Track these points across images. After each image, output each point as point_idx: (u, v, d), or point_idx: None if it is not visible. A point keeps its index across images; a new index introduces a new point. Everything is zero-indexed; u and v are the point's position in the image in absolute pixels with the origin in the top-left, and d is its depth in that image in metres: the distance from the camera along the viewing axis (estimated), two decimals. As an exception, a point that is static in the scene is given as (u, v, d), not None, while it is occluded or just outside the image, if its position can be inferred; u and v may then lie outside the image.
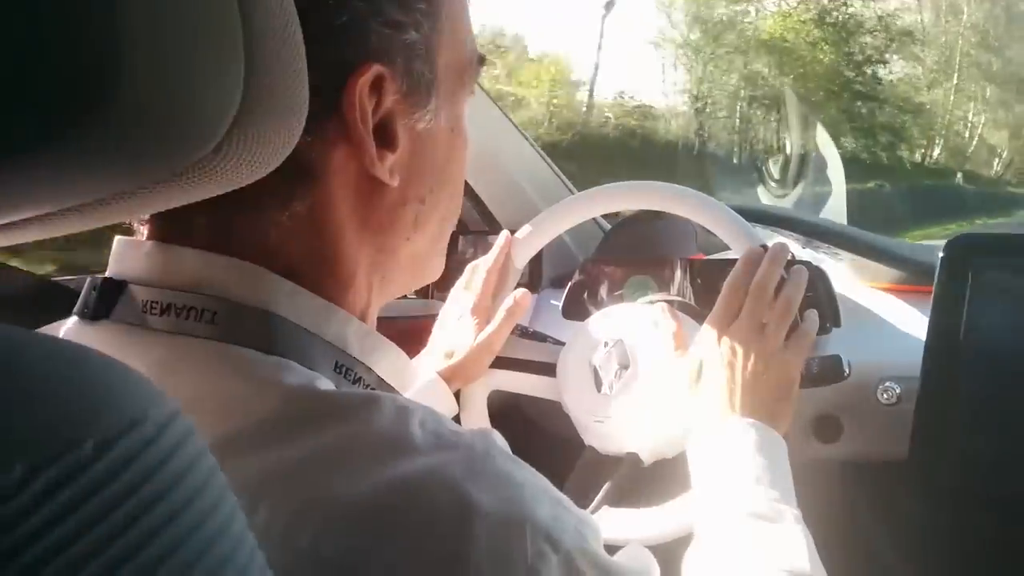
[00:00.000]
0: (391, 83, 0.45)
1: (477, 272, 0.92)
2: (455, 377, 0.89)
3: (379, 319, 0.53)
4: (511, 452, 0.43)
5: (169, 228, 0.45)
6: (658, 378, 0.82)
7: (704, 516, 0.67)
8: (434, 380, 0.87)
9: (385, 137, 0.46)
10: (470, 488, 0.37)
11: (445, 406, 0.87)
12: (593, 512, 0.82)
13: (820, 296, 0.90)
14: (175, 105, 0.26)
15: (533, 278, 1.13)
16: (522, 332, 0.95)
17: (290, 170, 0.39)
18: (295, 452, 0.38)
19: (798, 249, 1.12)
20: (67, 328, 0.45)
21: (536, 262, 1.09)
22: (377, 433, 0.39)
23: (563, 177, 1.35)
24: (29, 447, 0.22)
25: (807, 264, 0.86)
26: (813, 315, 0.78)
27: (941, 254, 0.87)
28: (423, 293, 1.27)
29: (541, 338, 0.99)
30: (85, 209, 0.29)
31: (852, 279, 1.07)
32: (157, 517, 0.24)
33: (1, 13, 0.21)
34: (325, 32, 0.41)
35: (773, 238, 1.09)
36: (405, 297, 1.28)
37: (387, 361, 0.50)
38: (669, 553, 0.65)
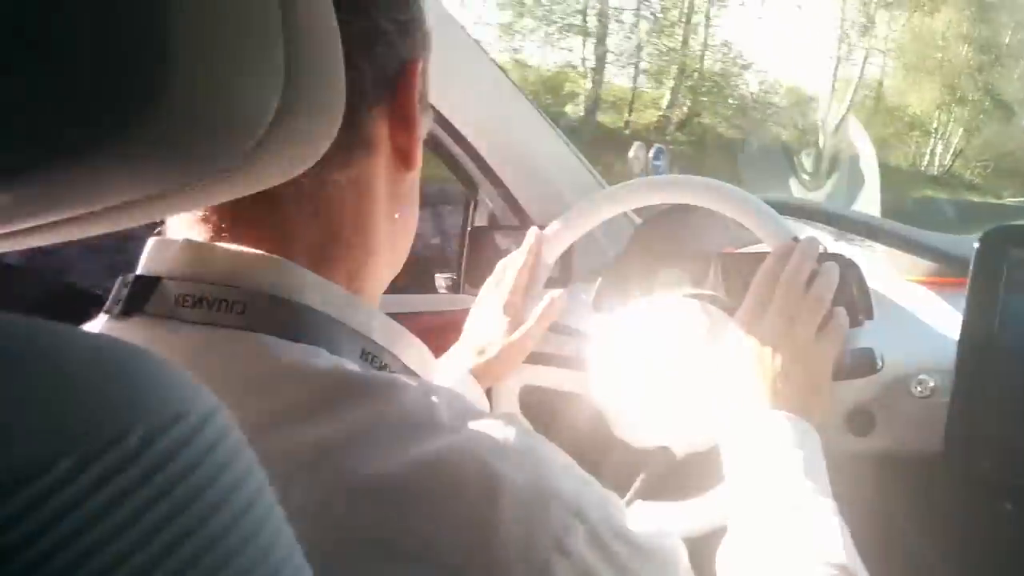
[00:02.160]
0: (420, 80, 0.51)
1: (507, 270, 0.93)
2: (486, 374, 0.89)
3: (408, 313, 0.54)
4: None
5: (202, 224, 0.47)
6: (689, 372, 0.82)
7: (738, 509, 0.67)
8: (465, 377, 0.87)
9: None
10: (497, 462, 0.39)
11: (477, 402, 0.88)
12: (627, 506, 0.82)
13: (852, 289, 0.89)
14: (219, 104, 0.26)
15: (564, 272, 1.13)
16: (553, 326, 0.95)
17: (354, 139, 0.47)
18: (325, 432, 0.40)
19: (830, 242, 1.11)
20: (97, 325, 0.47)
21: (568, 256, 1.10)
22: (405, 412, 0.41)
23: (594, 171, 1.35)
24: (75, 441, 0.22)
25: (839, 257, 0.86)
26: (843, 313, 0.77)
27: (976, 246, 0.86)
28: (453, 288, 1.27)
29: (572, 332, 0.99)
30: (130, 207, 0.30)
31: (886, 272, 1.06)
32: (201, 509, 0.24)
33: (49, 13, 0.22)
34: (399, 24, 0.49)
35: (805, 231, 1.09)
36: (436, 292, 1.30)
37: (410, 351, 0.51)
38: (702, 547, 0.66)
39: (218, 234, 0.47)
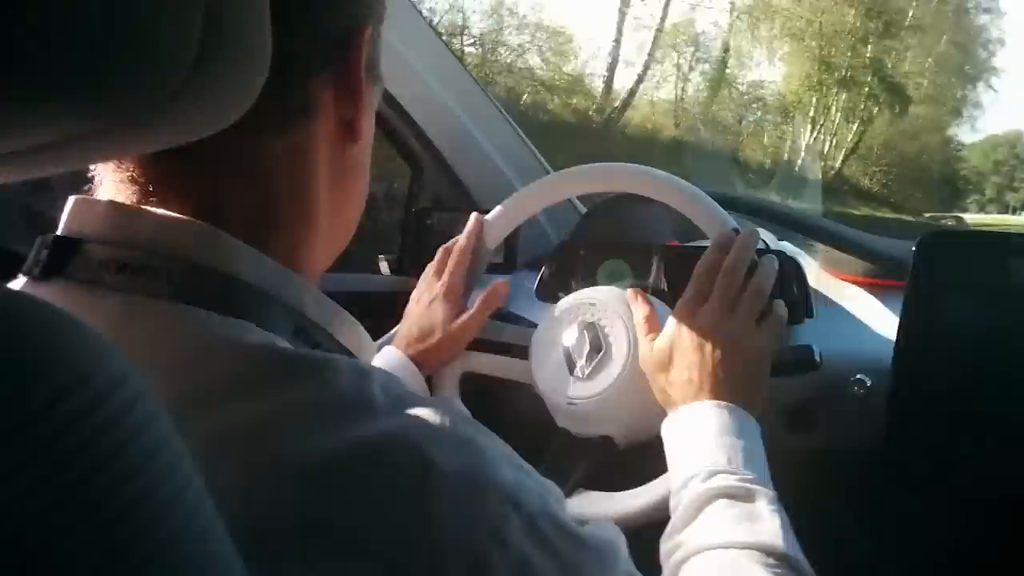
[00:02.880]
0: (368, 48, 0.48)
1: (449, 254, 0.92)
2: (426, 361, 0.88)
3: (350, 293, 0.53)
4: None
5: (140, 178, 0.44)
6: (631, 361, 0.82)
7: (679, 498, 0.67)
8: (405, 363, 0.86)
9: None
10: (431, 450, 0.37)
11: (417, 389, 0.86)
12: (568, 495, 0.81)
13: (793, 285, 0.90)
14: (133, 45, 0.25)
15: (507, 259, 1.12)
16: (495, 313, 0.94)
17: (292, 104, 0.45)
18: (254, 411, 0.38)
19: (773, 239, 1.12)
20: (15, 287, 0.44)
21: (511, 242, 1.09)
22: (338, 394, 0.39)
23: (539, 156, 1.34)
24: None
25: (781, 254, 0.86)
26: (782, 305, 0.78)
27: (914, 249, 0.88)
28: (397, 271, 1.25)
29: (514, 319, 0.98)
30: (38, 154, 0.28)
31: (826, 271, 1.08)
32: (108, 478, 0.23)
33: None
34: None
35: (748, 226, 1.09)
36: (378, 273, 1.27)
37: (344, 329, 0.49)
38: (646, 536, 0.65)
39: (145, 197, 0.44)
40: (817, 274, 1.06)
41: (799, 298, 0.91)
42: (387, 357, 0.87)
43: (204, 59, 0.27)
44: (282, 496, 0.35)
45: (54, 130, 0.27)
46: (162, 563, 0.24)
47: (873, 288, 1.02)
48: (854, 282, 1.05)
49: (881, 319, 0.96)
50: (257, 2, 0.31)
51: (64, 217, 0.45)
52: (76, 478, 0.22)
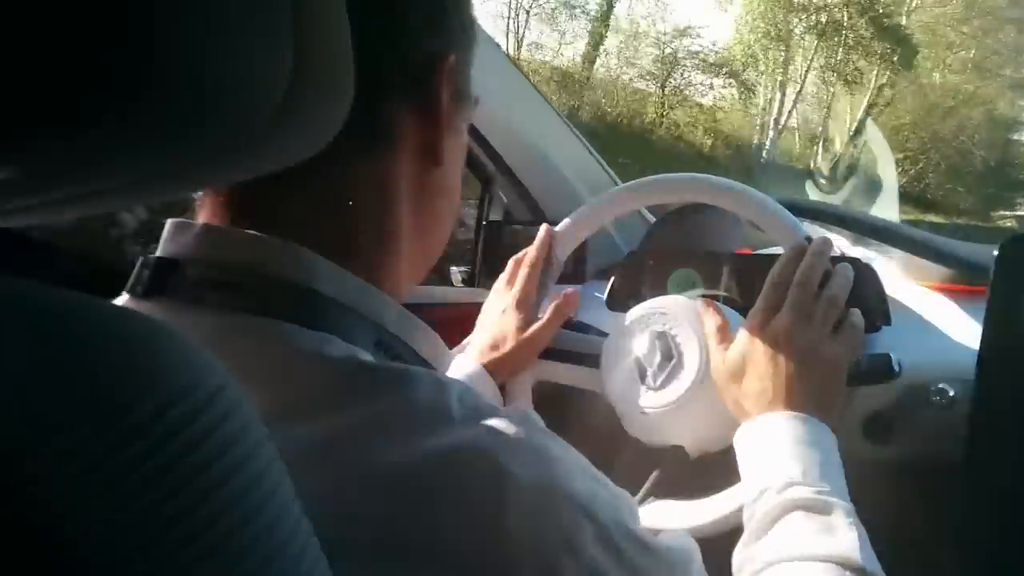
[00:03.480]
0: (453, 75, 0.50)
1: (520, 266, 0.93)
2: (499, 370, 0.89)
3: (424, 305, 0.54)
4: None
5: (232, 202, 0.47)
6: (702, 371, 0.82)
7: (752, 509, 0.66)
8: (479, 372, 0.87)
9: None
10: (506, 460, 0.39)
11: (490, 398, 0.87)
12: (640, 504, 0.82)
13: (869, 293, 0.88)
14: (226, 84, 0.26)
15: (578, 269, 1.13)
16: (566, 323, 0.95)
17: (375, 130, 0.47)
18: (339, 423, 0.40)
19: (848, 246, 1.10)
20: (119, 304, 0.47)
21: (581, 253, 1.09)
22: (417, 405, 0.41)
23: (608, 168, 1.34)
24: (88, 409, 0.23)
25: (856, 261, 0.85)
26: (857, 314, 0.76)
27: (996, 253, 0.85)
28: (469, 282, 1.27)
29: (585, 329, 0.99)
30: (138, 185, 0.30)
31: (903, 277, 1.05)
32: (207, 481, 0.24)
33: None
34: (426, 17, 0.48)
35: (821, 234, 1.08)
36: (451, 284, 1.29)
37: (424, 342, 0.51)
38: (718, 547, 0.65)
39: (237, 220, 0.47)
40: (894, 281, 1.03)
41: (876, 305, 0.89)
42: (461, 366, 0.88)
43: (294, 90, 0.29)
44: (363, 504, 0.37)
45: (155, 163, 0.28)
46: (253, 560, 0.25)
47: (954, 294, 0.99)
48: (934, 288, 1.02)
49: (964, 326, 0.93)
50: (342, 33, 0.32)
51: (163, 239, 0.48)
52: (177, 483, 0.24)
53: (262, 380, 0.40)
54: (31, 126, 0.24)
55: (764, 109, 18.42)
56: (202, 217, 0.48)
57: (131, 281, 0.47)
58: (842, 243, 1.08)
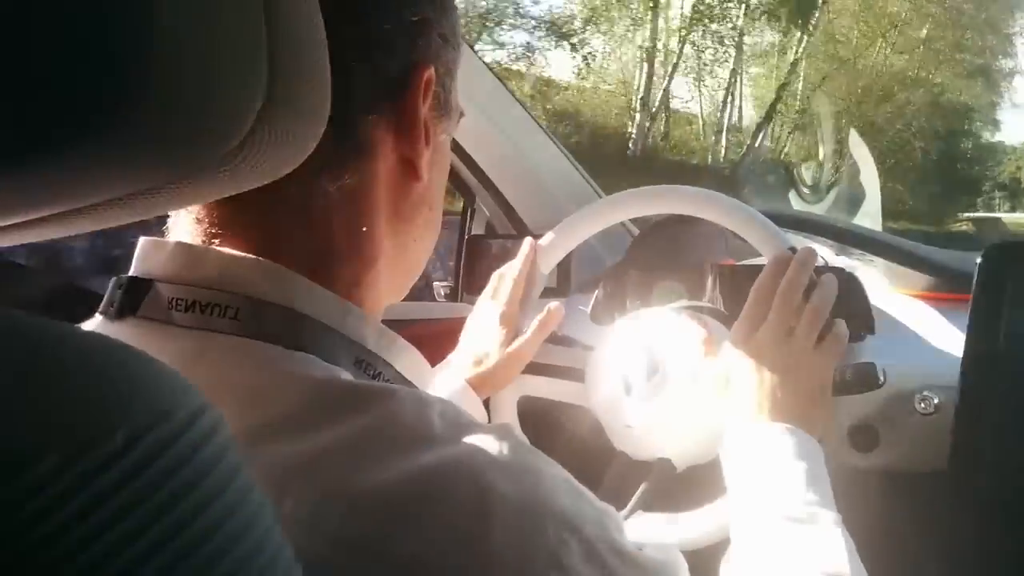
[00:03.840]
0: (433, 88, 0.49)
1: (503, 280, 0.93)
2: (484, 385, 0.89)
3: (406, 321, 0.54)
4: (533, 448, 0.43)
5: (205, 221, 0.47)
6: (688, 383, 0.81)
7: (741, 521, 0.66)
8: (463, 388, 0.87)
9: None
10: (490, 477, 0.38)
11: (475, 413, 0.87)
12: (627, 518, 0.81)
13: (853, 302, 0.88)
14: (202, 103, 0.26)
15: (561, 282, 1.12)
16: (551, 337, 0.95)
17: (348, 144, 0.46)
18: (319, 443, 0.39)
19: (831, 256, 1.10)
20: (91, 326, 0.46)
21: (565, 266, 1.09)
22: (398, 424, 0.40)
23: (590, 180, 1.34)
24: (61, 437, 0.22)
25: (840, 270, 0.85)
26: (842, 324, 0.76)
27: (978, 261, 0.85)
28: (452, 297, 1.27)
29: (570, 343, 0.98)
30: (111, 206, 0.30)
31: (887, 286, 1.05)
32: (185, 509, 0.24)
33: (33, 13, 0.22)
34: (401, 27, 0.47)
35: (805, 244, 1.08)
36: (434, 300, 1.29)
37: (404, 359, 0.50)
38: (705, 559, 0.64)
39: (211, 238, 0.46)
40: (879, 290, 1.04)
41: (860, 315, 0.89)
42: (445, 382, 0.88)
43: (268, 110, 0.28)
44: (345, 526, 0.36)
45: (124, 185, 0.28)
46: None
47: (938, 302, 0.99)
48: (918, 296, 1.02)
49: (947, 334, 0.93)
50: (318, 47, 0.32)
51: (136, 258, 0.47)
52: (153, 510, 0.23)
53: (240, 401, 0.40)
54: (7, 147, 0.23)
55: (633, 87, 15.47)
56: (175, 235, 0.47)
57: (104, 302, 0.46)
58: (826, 253, 1.08)
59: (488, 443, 0.40)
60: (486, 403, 0.91)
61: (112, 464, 0.22)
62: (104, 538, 0.22)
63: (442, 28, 0.50)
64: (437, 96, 0.50)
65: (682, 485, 0.83)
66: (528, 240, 0.94)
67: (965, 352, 0.83)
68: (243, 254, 0.45)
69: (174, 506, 0.24)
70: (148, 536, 0.23)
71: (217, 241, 0.46)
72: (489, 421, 0.91)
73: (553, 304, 0.92)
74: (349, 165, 0.47)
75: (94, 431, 0.23)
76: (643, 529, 0.79)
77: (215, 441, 0.26)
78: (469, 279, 1.19)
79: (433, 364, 0.55)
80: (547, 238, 0.94)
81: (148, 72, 0.24)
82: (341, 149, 0.46)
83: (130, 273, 0.47)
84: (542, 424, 0.95)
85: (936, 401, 0.85)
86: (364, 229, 0.49)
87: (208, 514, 0.24)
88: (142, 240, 0.47)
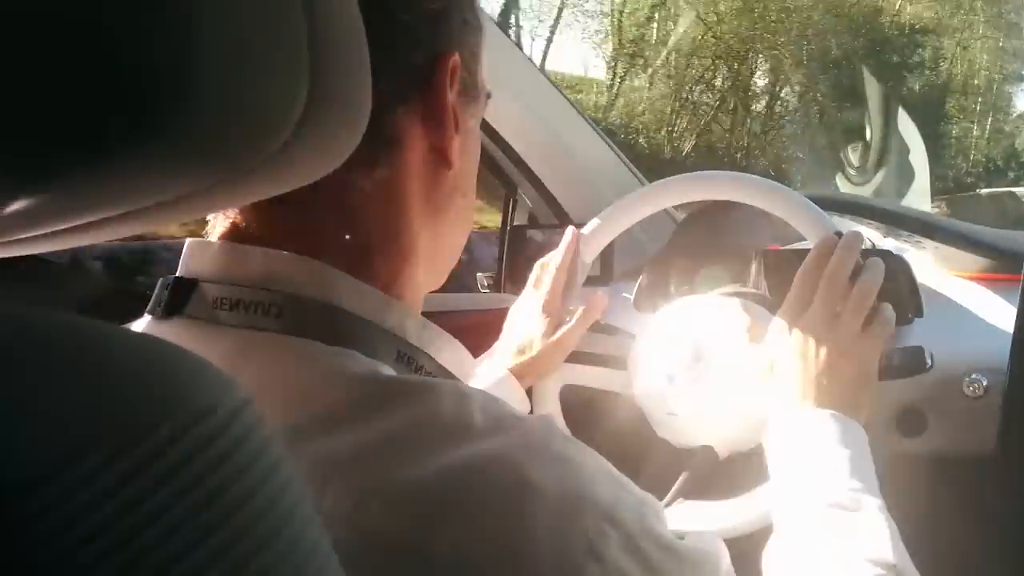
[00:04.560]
0: (459, 74, 0.49)
1: (546, 269, 0.93)
2: (526, 374, 0.89)
3: (449, 312, 0.54)
4: (575, 438, 0.44)
5: (244, 223, 0.48)
6: (731, 371, 0.81)
7: (784, 508, 0.66)
8: (505, 376, 0.88)
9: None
10: (529, 469, 0.39)
11: (517, 402, 0.88)
12: (668, 505, 0.81)
13: (901, 285, 0.87)
14: (245, 105, 0.26)
15: (604, 271, 1.12)
16: (594, 325, 0.95)
17: (378, 138, 0.45)
18: (359, 438, 0.39)
19: (879, 238, 1.08)
20: (141, 325, 0.48)
21: (607, 254, 1.09)
22: (439, 418, 0.41)
23: (634, 169, 1.34)
24: (106, 433, 0.23)
25: (887, 253, 0.84)
26: (889, 308, 0.75)
27: None
28: (494, 287, 1.27)
29: (613, 331, 0.98)
30: (158, 209, 0.30)
31: (936, 268, 1.03)
32: (227, 503, 0.24)
33: (79, 16, 0.22)
34: (425, 15, 0.47)
35: (852, 227, 1.06)
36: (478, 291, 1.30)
37: (446, 351, 0.51)
38: (749, 546, 0.64)
39: (252, 238, 0.47)
40: (928, 272, 1.02)
41: (908, 297, 0.87)
42: (487, 371, 0.88)
43: (311, 111, 0.29)
44: (386, 519, 0.37)
45: (170, 188, 0.29)
46: None
47: (991, 283, 0.97)
48: (969, 278, 1.00)
49: (999, 315, 0.91)
50: (359, 45, 0.32)
51: (182, 259, 0.49)
52: (195, 506, 0.24)
53: (283, 398, 0.41)
54: (54, 153, 0.24)
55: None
56: (218, 235, 0.49)
57: (152, 302, 0.48)
58: (874, 235, 1.07)
59: (528, 436, 0.41)
60: (529, 392, 0.91)
61: (156, 459, 0.23)
62: (147, 533, 0.22)
63: (464, 11, 0.49)
64: (463, 81, 0.50)
65: (724, 473, 0.83)
66: (571, 229, 0.94)
67: (1015, 333, 0.81)
68: (285, 252, 0.46)
69: (217, 499, 0.24)
70: (191, 529, 0.23)
71: (260, 240, 0.47)
72: (532, 410, 0.92)
73: (597, 293, 0.93)
74: (381, 158, 0.47)
75: (140, 426, 0.23)
76: (685, 517, 0.79)
77: (256, 436, 0.26)
78: (511, 270, 1.20)
79: (476, 355, 0.56)
80: (590, 226, 0.94)
81: (191, 75, 0.24)
82: (372, 143, 0.45)
83: (176, 274, 0.48)
84: (585, 413, 0.95)
85: (985, 384, 0.84)
86: (401, 220, 0.49)
87: (248, 509, 0.25)
88: (188, 241, 0.49)
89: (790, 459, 0.68)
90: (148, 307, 0.48)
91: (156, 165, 0.26)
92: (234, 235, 0.48)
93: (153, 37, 0.23)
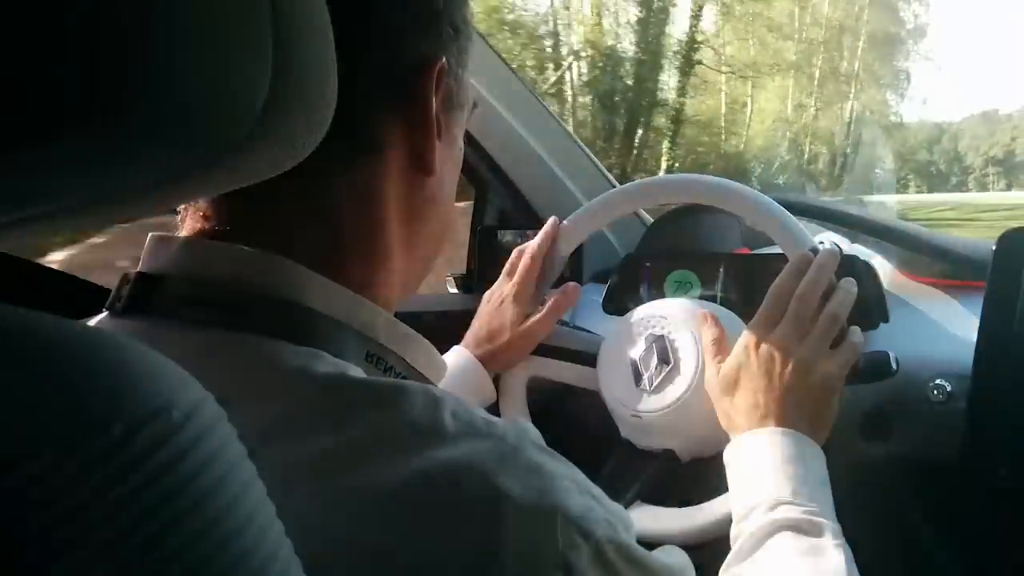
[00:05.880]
0: (445, 80, 0.48)
1: (523, 257, 0.92)
2: (493, 362, 0.89)
3: (419, 313, 0.53)
4: (545, 442, 0.43)
5: (212, 218, 0.46)
6: (698, 376, 0.81)
7: (740, 527, 0.66)
8: (473, 363, 0.87)
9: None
10: (501, 478, 0.38)
11: (483, 389, 0.87)
12: (627, 507, 0.81)
13: (868, 291, 0.87)
14: (204, 96, 0.26)
15: (575, 272, 1.12)
16: (562, 325, 0.95)
17: (357, 142, 0.45)
18: (328, 441, 0.38)
19: (846, 244, 1.09)
20: (97, 322, 0.46)
21: (578, 256, 1.09)
22: (409, 422, 0.40)
23: (605, 171, 1.34)
24: (57, 431, 0.22)
25: (855, 259, 0.84)
26: (858, 332, 0.75)
27: (993, 248, 0.84)
28: (464, 289, 1.27)
29: (582, 330, 0.98)
30: (113, 202, 0.30)
31: (902, 274, 1.05)
32: (183, 504, 0.24)
33: (36, 4, 0.21)
34: (414, 19, 0.46)
35: (820, 232, 1.07)
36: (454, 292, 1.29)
37: (417, 351, 0.50)
38: (708, 561, 0.64)
39: (218, 233, 0.46)
40: (892, 277, 1.03)
41: (874, 303, 0.88)
42: (455, 358, 0.88)
43: (274, 99, 0.28)
44: (353, 527, 0.36)
45: (130, 177, 0.28)
46: None
47: (954, 290, 0.98)
48: (933, 284, 1.01)
49: (962, 321, 0.92)
50: (324, 41, 0.32)
51: (144, 254, 0.47)
52: (148, 507, 0.23)
53: (246, 399, 0.39)
54: (6, 143, 0.23)
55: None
56: (183, 231, 0.47)
57: (111, 298, 0.46)
58: (840, 240, 1.08)
59: (500, 443, 0.40)
60: (496, 381, 0.91)
61: (109, 458, 0.22)
62: (101, 532, 0.22)
63: (453, 18, 0.49)
64: (449, 88, 0.49)
65: (685, 476, 0.83)
66: (552, 219, 0.94)
67: (979, 339, 0.82)
68: (252, 250, 0.44)
69: (172, 500, 0.24)
70: (144, 531, 0.23)
71: (226, 236, 0.45)
72: (498, 399, 0.91)
73: (569, 284, 0.92)
74: (359, 161, 0.46)
75: (91, 424, 0.23)
76: (641, 520, 0.79)
77: (214, 437, 0.26)
78: (481, 270, 1.20)
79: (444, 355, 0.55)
80: (570, 219, 0.94)
81: (148, 62, 0.23)
82: (351, 145, 0.45)
83: (138, 269, 0.46)
84: (550, 406, 0.95)
85: (949, 389, 0.85)
86: (377, 224, 0.48)
87: (207, 509, 0.24)
88: (150, 236, 0.47)
89: (749, 477, 0.68)
90: (107, 303, 0.46)
91: (109, 154, 0.25)
92: (201, 231, 0.46)
93: (108, 18, 0.22)
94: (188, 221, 0.47)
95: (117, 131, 0.24)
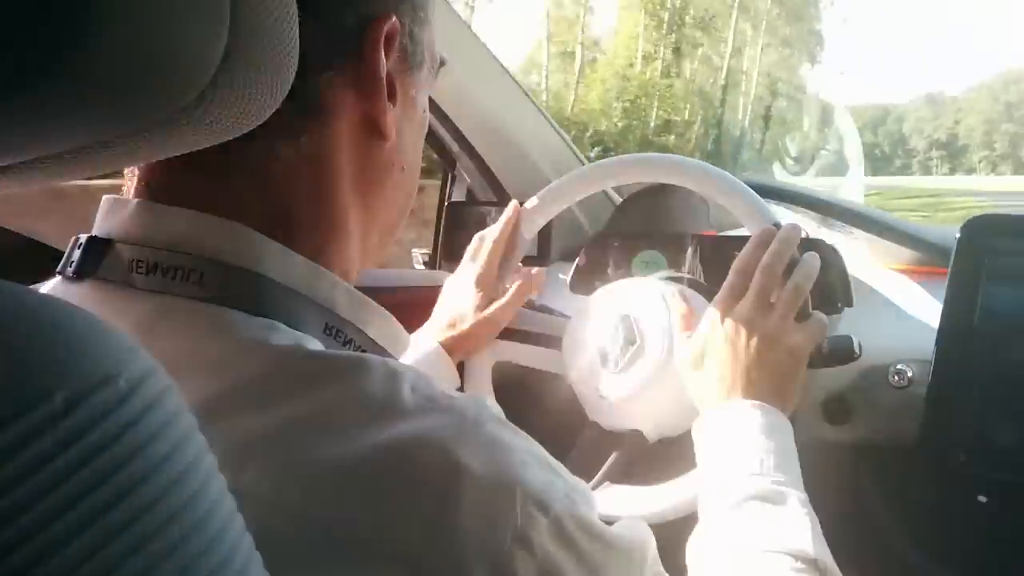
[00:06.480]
0: (398, 39, 0.46)
1: (484, 242, 0.91)
2: (458, 348, 0.88)
3: (383, 288, 0.52)
4: (508, 420, 0.42)
5: (158, 185, 0.45)
6: (664, 356, 0.81)
7: (708, 499, 0.66)
8: (436, 350, 0.86)
9: (387, 91, 0.47)
10: (459, 451, 0.37)
11: (447, 376, 0.87)
12: (595, 488, 0.81)
13: (833, 275, 0.88)
14: (156, 53, 0.25)
15: (542, 251, 1.11)
16: (528, 305, 0.94)
17: (303, 106, 0.43)
18: (283, 413, 0.38)
19: (813, 228, 1.10)
20: (50, 286, 0.45)
21: (545, 235, 1.08)
22: (367, 396, 0.39)
23: (573, 147, 1.33)
24: None
25: (820, 242, 0.85)
26: (821, 315, 0.76)
27: (957, 235, 0.85)
28: (431, 264, 1.26)
29: (548, 312, 0.98)
30: (68, 159, 0.28)
31: (866, 259, 1.05)
32: (128, 477, 0.23)
33: None
34: None
35: (787, 216, 1.07)
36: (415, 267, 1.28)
37: (378, 324, 0.49)
38: (674, 535, 0.65)
39: (172, 198, 0.44)
40: (859, 263, 1.04)
41: (839, 287, 0.89)
42: (418, 344, 0.87)
43: (230, 60, 0.27)
44: (308, 502, 0.35)
45: (81, 135, 0.27)
46: (180, 557, 0.24)
47: (920, 276, 0.99)
48: (898, 270, 1.02)
49: (925, 307, 0.93)
50: (283, 15, 0.31)
51: (98, 216, 0.45)
52: (95, 477, 0.22)
53: (199, 369, 0.39)
54: None
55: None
56: (135, 194, 0.45)
57: (62, 262, 0.45)
58: (808, 225, 1.08)
59: (459, 417, 0.39)
60: (460, 367, 0.90)
61: (51, 427, 0.22)
62: (41, 504, 0.21)
63: None
64: (404, 48, 0.47)
65: (652, 457, 0.83)
66: (513, 203, 0.93)
67: (941, 325, 0.83)
68: (208, 215, 0.43)
69: (117, 472, 0.23)
70: (88, 503, 0.22)
71: (179, 201, 0.44)
72: (463, 386, 0.91)
73: (534, 269, 0.91)
74: (307, 126, 0.44)
75: (32, 393, 0.22)
76: (611, 501, 0.79)
77: (163, 407, 0.25)
78: (448, 246, 1.18)
79: (410, 332, 0.54)
80: (531, 202, 0.93)
81: (97, 16, 0.22)
82: (297, 110, 0.43)
83: (91, 232, 0.45)
84: (515, 390, 0.95)
85: (910, 374, 0.86)
86: (329, 191, 0.46)
87: (153, 482, 0.24)
88: (105, 198, 0.45)
89: (715, 449, 0.69)
90: (59, 267, 0.45)
91: (57, 112, 0.24)
92: (151, 195, 0.44)
93: None
94: (140, 184, 0.45)
95: (61, 87, 0.23)
